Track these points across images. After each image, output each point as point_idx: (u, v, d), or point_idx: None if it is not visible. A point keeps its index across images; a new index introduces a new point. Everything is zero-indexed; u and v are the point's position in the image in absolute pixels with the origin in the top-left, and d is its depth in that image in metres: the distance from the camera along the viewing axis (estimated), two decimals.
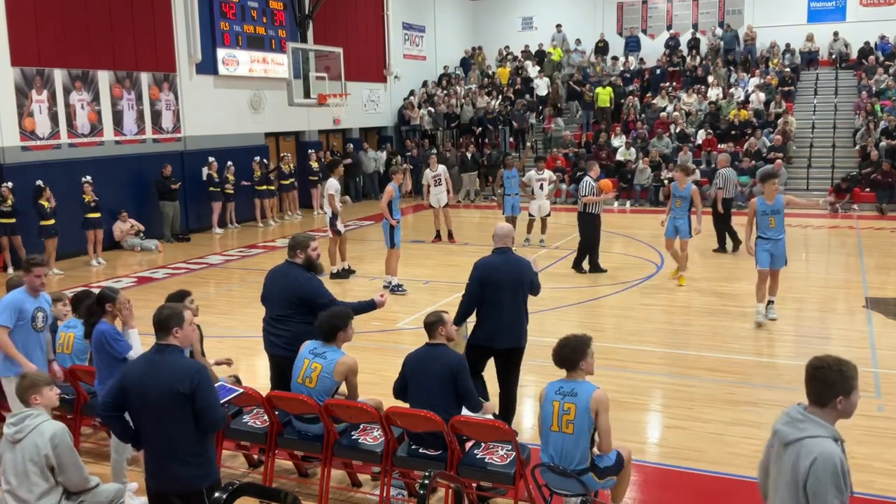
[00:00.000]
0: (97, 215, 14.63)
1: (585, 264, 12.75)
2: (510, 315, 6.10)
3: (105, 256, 15.06)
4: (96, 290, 5.87)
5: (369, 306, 6.13)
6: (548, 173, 15.25)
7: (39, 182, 14.08)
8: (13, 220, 13.72)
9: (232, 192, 18.36)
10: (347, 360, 5.40)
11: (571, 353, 4.73)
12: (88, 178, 14.68)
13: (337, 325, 5.42)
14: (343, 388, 5.55)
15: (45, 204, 13.86)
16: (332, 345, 5.44)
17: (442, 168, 15.92)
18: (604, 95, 24.03)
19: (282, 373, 5.95)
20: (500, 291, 6.07)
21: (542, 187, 14.91)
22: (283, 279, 6.05)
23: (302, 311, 5.91)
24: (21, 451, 4.30)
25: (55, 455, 4.32)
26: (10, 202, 13.66)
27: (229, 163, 18.35)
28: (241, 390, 5.31)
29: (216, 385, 4.29)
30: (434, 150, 21.88)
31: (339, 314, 5.51)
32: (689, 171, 12.24)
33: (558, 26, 28.30)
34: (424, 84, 26.85)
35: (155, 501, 4.22)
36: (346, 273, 12.80)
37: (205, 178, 18.08)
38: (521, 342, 6.23)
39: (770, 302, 9.76)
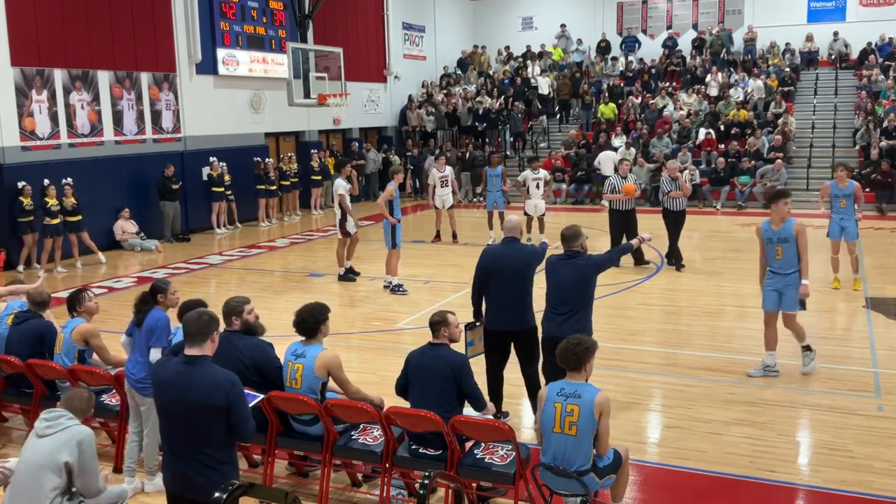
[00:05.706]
0: (77, 218, 14.41)
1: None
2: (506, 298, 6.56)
3: (104, 257, 15.02)
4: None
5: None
6: (543, 173, 15.48)
7: (46, 181, 14.13)
8: (31, 219, 13.83)
9: (231, 192, 18.31)
10: (326, 353, 5.34)
11: (583, 353, 4.67)
12: (69, 180, 14.55)
13: (319, 319, 5.39)
14: (335, 385, 5.52)
15: (51, 202, 13.95)
16: (312, 342, 5.40)
17: (449, 169, 15.96)
18: (608, 112, 24.02)
19: None
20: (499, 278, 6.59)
21: (537, 186, 15.09)
22: (222, 355, 4.82)
23: (253, 383, 5.24)
24: (43, 446, 4.35)
25: (79, 458, 4.34)
26: (29, 201, 13.78)
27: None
28: (263, 395, 5.23)
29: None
30: (437, 151, 21.86)
31: (318, 308, 5.43)
32: (850, 169, 12.13)
33: (562, 26, 28.31)
34: (424, 84, 26.84)
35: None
36: (349, 276, 12.68)
37: (206, 178, 18.08)
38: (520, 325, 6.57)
39: (805, 348, 7.92)
